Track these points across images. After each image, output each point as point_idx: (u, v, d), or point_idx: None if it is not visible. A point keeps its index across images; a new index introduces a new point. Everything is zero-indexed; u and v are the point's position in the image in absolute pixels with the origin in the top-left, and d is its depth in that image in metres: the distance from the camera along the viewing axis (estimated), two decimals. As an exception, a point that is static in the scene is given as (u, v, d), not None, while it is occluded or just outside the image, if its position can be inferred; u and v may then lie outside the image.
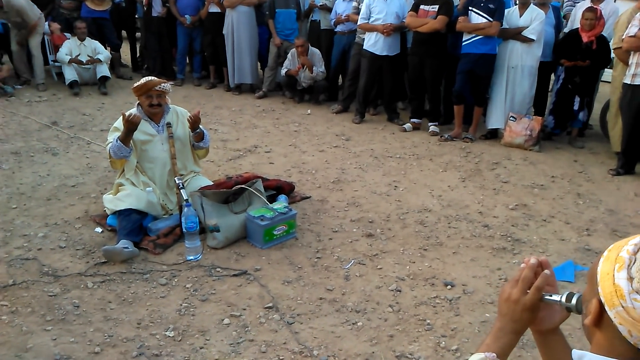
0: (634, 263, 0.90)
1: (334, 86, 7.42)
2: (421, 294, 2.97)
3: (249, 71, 7.45)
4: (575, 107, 5.61)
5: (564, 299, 1.10)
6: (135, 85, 3.46)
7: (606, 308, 0.91)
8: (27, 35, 7.01)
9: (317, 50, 6.89)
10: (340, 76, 7.46)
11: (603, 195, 4.47)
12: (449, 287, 3.04)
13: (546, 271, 1.15)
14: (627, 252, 0.91)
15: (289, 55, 6.96)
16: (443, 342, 2.57)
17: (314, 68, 6.80)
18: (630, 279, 0.88)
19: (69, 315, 2.63)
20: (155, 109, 3.51)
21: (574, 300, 1.08)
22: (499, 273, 3.22)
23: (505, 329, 1.14)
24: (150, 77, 3.50)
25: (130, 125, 3.30)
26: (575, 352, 1.00)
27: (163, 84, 3.47)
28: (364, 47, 6.14)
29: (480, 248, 3.51)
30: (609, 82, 5.64)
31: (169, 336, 2.52)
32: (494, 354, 1.12)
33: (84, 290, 2.85)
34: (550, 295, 1.14)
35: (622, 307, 0.88)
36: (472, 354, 1.19)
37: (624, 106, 4.79)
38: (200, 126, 3.63)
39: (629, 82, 4.66)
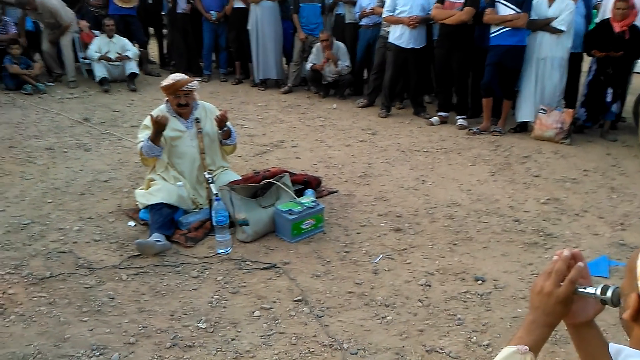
0: None
1: (359, 80, 7.39)
2: (451, 288, 2.94)
3: (274, 66, 7.48)
4: (608, 99, 5.47)
5: (598, 292, 1.08)
6: (163, 84, 3.51)
7: None
8: (59, 35, 7.17)
9: (342, 44, 6.87)
10: (365, 70, 7.43)
11: (637, 189, 4.36)
12: (479, 282, 3.01)
13: (580, 263, 1.12)
14: None
15: (313, 50, 6.96)
16: (474, 337, 2.55)
17: (339, 62, 6.78)
18: None
19: (104, 306, 2.70)
20: (183, 109, 3.56)
21: (609, 293, 1.06)
22: (531, 268, 3.17)
23: (538, 322, 1.13)
24: (177, 77, 3.52)
25: (159, 127, 3.36)
26: (612, 346, 0.98)
27: (190, 84, 3.50)
28: (389, 40, 6.10)
29: (511, 243, 3.46)
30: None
31: (202, 328, 2.56)
32: (527, 347, 1.10)
33: (119, 282, 2.91)
34: (585, 288, 1.11)
35: None
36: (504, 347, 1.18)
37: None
38: (228, 124, 3.66)
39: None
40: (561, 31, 5.29)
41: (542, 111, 5.55)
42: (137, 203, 3.61)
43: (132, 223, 3.55)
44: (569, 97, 5.90)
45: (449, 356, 2.42)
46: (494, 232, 3.59)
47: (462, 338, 2.55)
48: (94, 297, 2.77)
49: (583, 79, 6.01)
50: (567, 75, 5.55)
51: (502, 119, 5.84)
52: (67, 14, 7.15)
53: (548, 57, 5.41)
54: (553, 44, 5.36)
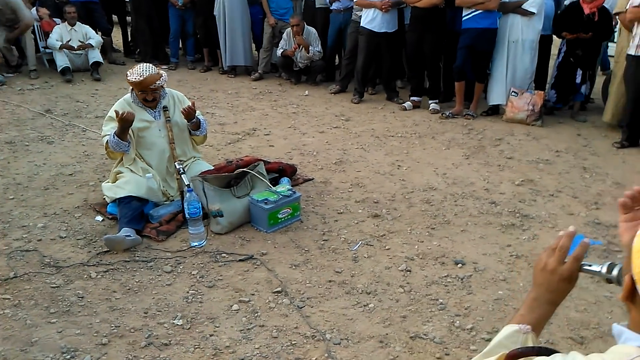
0: None
1: (331, 66, 7.30)
2: (432, 273, 2.91)
3: (243, 52, 7.31)
4: (578, 80, 5.53)
5: (604, 270, 1.04)
6: (131, 79, 3.30)
7: (637, 286, 0.85)
8: (18, 34, 6.85)
9: (313, 30, 6.75)
10: (337, 56, 7.33)
11: (609, 168, 4.42)
12: (459, 265, 2.99)
13: (586, 240, 1.10)
14: None
15: (284, 35, 6.82)
16: (457, 322, 2.52)
17: (310, 48, 6.67)
18: None
19: (73, 306, 2.57)
20: (149, 104, 3.41)
21: (615, 272, 1.02)
22: (509, 250, 3.17)
23: (541, 300, 1.10)
24: (145, 72, 3.30)
25: (125, 123, 3.21)
26: (615, 327, 0.94)
27: (158, 81, 3.34)
28: (361, 25, 6.01)
29: (489, 225, 3.45)
30: (612, 56, 5.56)
31: (178, 324, 2.46)
32: (529, 326, 1.08)
33: (88, 280, 2.78)
34: (590, 265, 1.08)
35: None
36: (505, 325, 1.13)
37: (628, 78, 4.71)
38: (197, 114, 3.53)
39: (632, 54, 4.58)
40: (532, 13, 5.30)
41: (513, 94, 5.57)
42: (105, 197, 3.46)
43: (99, 218, 3.41)
44: (538, 79, 5.94)
45: (433, 342, 2.39)
46: (471, 215, 3.58)
47: (446, 323, 2.52)
48: (62, 297, 2.63)
49: (552, 62, 6.06)
50: (537, 57, 5.57)
51: (474, 102, 5.84)
52: (28, 11, 6.84)
53: (519, 39, 5.42)
54: (524, 26, 5.37)
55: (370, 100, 6.45)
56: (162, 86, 3.40)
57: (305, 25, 6.69)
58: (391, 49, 6.09)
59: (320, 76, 7.19)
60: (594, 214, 3.61)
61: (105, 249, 3.03)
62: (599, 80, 6.11)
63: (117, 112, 3.19)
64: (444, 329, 2.48)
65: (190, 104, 3.47)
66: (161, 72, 3.43)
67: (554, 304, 1.11)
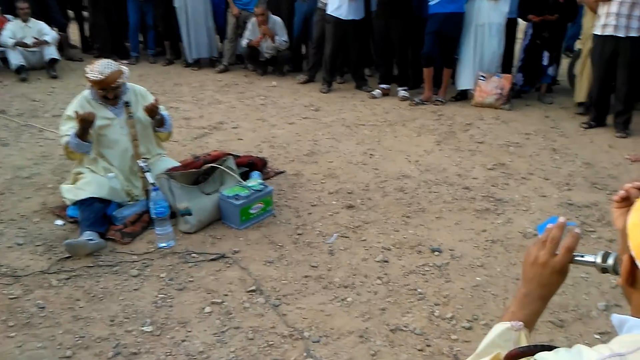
0: None
1: (298, 56, 7.17)
2: (409, 262, 2.86)
3: (207, 44, 7.11)
4: (545, 62, 5.56)
5: (599, 260, 0.99)
6: (90, 77, 3.11)
7: (637, 263, 0.80)
8: None
9: (278, 19, 6.60)
10: (303, 45, 7.20)
11: (578, 149, 4.45)
12: (436, 253, 2.95)
13: (577, 230, 1.05)
14: None
15: (248, 25, 6.65)
16: (437, 311, 2.47)
17: (276, 38, 6.52)
18: None
19: (33, 318, 2.41)
20: (110, 102, 3.24)
21: (610, 260, 0.97)
22: (485, 235, 3.14)
23: (532, 295, 1.05)
24: (106, 69, 3.11)
25: (85, 124, 3.05)
26: (615, 317, 0.90)
27: (120, 79, 3.17)
28: (327, 12, 5.89)
29: (463, 211, 3.42)
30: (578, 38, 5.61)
31: (147, 331, 2.33)
32: (521, 323, 1.03)
33: (49, 289, 2.62)
34: (582, 256, 1.03)
35: None
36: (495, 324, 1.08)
37: (594, 58, 4.74)
38: (161, 110, 3.37)
39: (599, 33, 4.60)
40: (498, -4, 5.29)
41: (481, 78, 5.56)
42: (64, 199, 3.28)
43: (59, 222, 3.23)
44: (504, 63, 5.93)
45: (414, 333, 2.33)
46: (446, 202, 3.54)
47: (425, 313, 2.47)
48: (21, 309, 2.46)
49: (518, 45, 6.07)
50: (504, 40, 5.57)
51: (443, 88, 5.82)
52: None
53: (486, 23, 5.40)
54: (491, 9, 5.35)
55: (339, 90, 6.36)
56: (123, 84, 3.23)
57: (270, 14, 6.54)
58: (359, 37, 6.00)
59: (288, 66, 7.06)
60: (566, 195, 3.62)
61: (67, 255, 2.86)
62: (565, 61, 6.16)
63: (77, 113, 3.01)
64: (424, 319, 2.43)
65: (153, 101, 3.31)
66: (122, 68, 3.26)
67: (545, 298, 1.06)
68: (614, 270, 0.97)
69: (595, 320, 2.39)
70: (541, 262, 1.04)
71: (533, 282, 1.05)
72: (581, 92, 5.27)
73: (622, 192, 1.07)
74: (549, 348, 0.89)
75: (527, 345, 0.96)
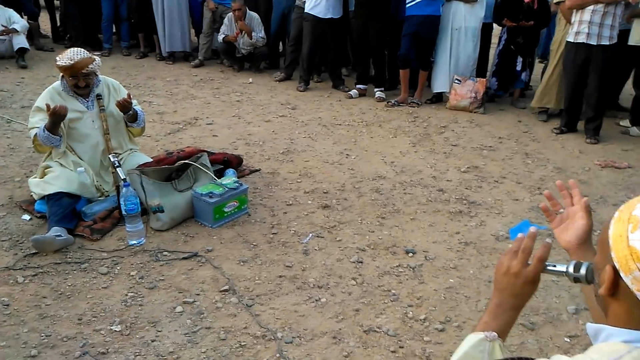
0: None
1: (275, 53, 7.12)
2: (383, 263, 2.86)
3: (181, 38, 7.00)
4: (518, 67, 5.64)
5: (571, 269, 1.01)
6: (60, 64, 3.04)
7: (621, 274, 0.81)
8: None
9: (255, 15, 6.54)
10: (281, 42, 7.16)
11: (549, 153, 4.53)
12: (410, 254, 2.96)
13: (548, 240, 1.06)
14: None
15: (225, 21, 6.58)
16: (410, 312, 2.48)
17: (253, 34, 6.46)
18: None
19: (-4, 316, 2.33)
20: (81, 91, 3.16)
21: (583, 270, 0.99)
22: (458, 237, 3.16)
23: (505, 305, 1.06)
24: (76, 55, 3.06)
25: (57, 118, 2.96)
26: (590, 327, 0.91)
27: (91, 65, 3.09)
28: (305, 11, 5.87)
29: (437, 213, 3.44)
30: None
31: (116, 331, 2.28)
32: (495, 333, 1.03)
33: (14, 286, 2.53)
34: (555, 266, 1.05)
35: (639, 270, 0.78)
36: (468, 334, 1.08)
37: (567, 64, 4.83)
38: (134, 106, 3.30)
39: (572, 40, 4.69)
40: (475, 0, 5.35)
41: (456, 81, 5.62)
42: (32, 193, 3.18)
43: (26, 217, 3.13)
44: (479, 67, 6.01)
45: (387, 334, 2.33)
46: (420, 203, 3.56)
47: (399, 314, 2.47)
48: (-16, 306, 2.38)
49: (492, 50, 6.16)
50: (479, 45, 5.64)
51: (418, 90, 5.86)
52: None
53: (462, 27, 5.46)
54: (467, 13, 5.41)
55: (316, 88, 6.34)
56: (94, 72, 3.15)
57: (247, 10, 6.48)
58: (336, 36, 6.00)
59: (264, 63, 7.00)
60: (537, 199, 3.68)
61: (34, 251, 2.78)
62: (538, 67, 6.27)
63: (48, 106, 2.93)
64: (398, 320, 2.43)
65: (126, 95, 3.23)
66: (94, 56, 3.18)
67: (518, 308, 1.07)
68: (587, 280, 0.98)
69: (566, 323, 2.43)
70: (514, 273, 1.04)
71: (505, 292, 1.05)
72: (539, 97, 5.34)
73: (544, 205, 1.15)
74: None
75: (504, 358, 0.96)
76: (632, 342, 0.82)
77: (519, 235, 1.08)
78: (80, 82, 3.11)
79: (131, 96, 3.28)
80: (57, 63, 3.06)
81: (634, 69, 4.92)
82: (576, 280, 1.01)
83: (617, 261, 0.82)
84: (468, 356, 1.01)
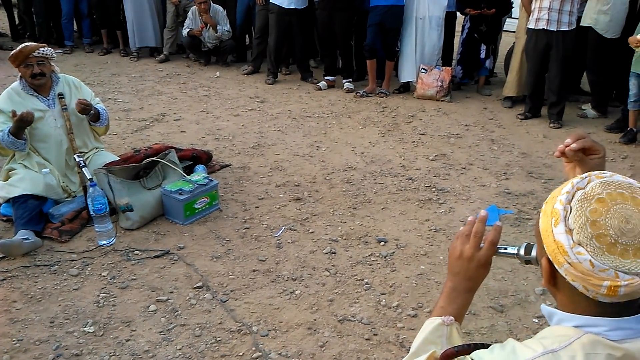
0: (570, 213, 0.82)
1: (242, 46, 7.06)
2: (356, 253, 2.90)
3: (152, 33, 6.87)
4: (482, 55, 5.73)
5: (522, 252, 1.04)
6: (11, 54, 3.02)
7: (555, 266, 0.84)
8: None
9: (219, 7, 6.47)
10: (247, 35, 7.10)
11: (515, 139, 4.64)
12: (382, 243, 3.00)
13: (498, 223, 1.09)
14: (561, 202, 0.83)
15: (189, 14, 6.48)
16: (383, 300, 2.53)
17: (218, 27, 6.39)
18: (569, 231, 0.81)
19: (-36, 323, 2.28)
20: (38, 80, 3.09)
21: (533, 252, 1.02)
22: (428, 224, 3.22)
23: (459, 289, 1.08)
24: (26, 44, 3.07)
25: (23, 124, 2.93)
26: (544, 308, 0.94)
27: (42, 49, 3.06)
28: (270, 1, 5.83)
29: (407, 201, 3.50)
30: (510, 31, 5.80)
31: (89, 332, 2.26)
32: (451, 317, 1.06)
33: (-20, 292, 2.48)
34: (506, 248, 1.08)
35: (569, 263, 0.81)
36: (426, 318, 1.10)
37: (529, 51, 4.93)
38: (95, 104, 3.25)
39: (533, 27, 4.79)
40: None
41: (423, 70, 5.68)
42: (-4, 197, 3.10)
43: (-9, 221, 3.06)
44: (444, 55, 6.09)
45: (361, 323, 2.37)
46: (390, 192, 3.61)
47: (372, 302, 2.51)
48: (-50, 314, 2.32)
49: (457, 38, 6.24)
50: (444, 33, 5.71)
51: (386, 80, 5.90)
52: None
53: (426, 16, 5.51)
54: (431, 3, 5.46)
55: (285, 81, 6.32)
56: (48, 58, 3.10)
57: (212, 3, 6.40)
58: (303, 28, 5.98)
59: (231, 57, 6.94)
60: (504, 184, 3.77)
61: (1, 255, 2.72)
62: (502, 54, 6.38)
63: (14, 112, 2.90)
64: (371, 309, 2.47)
65: (88, 94, 3.20)
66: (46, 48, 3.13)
67: (471, 291, 1.09)
68: (537, 262, 1.00)
69: (534, 305, 2.51)
70: (467, 257, 1.06)
71: (459, 276, 1.08)
72: (510, 86, 5.47)
73: (558, 151, 1.12)
74: (484, 346, 0.92)
75: (461, 344, 0.99)
76: (582, 327, 0.84)
77: (470, 218, 1.10)
78: (34, 69, 3.05)
79: (91, 96, 3.24)
80: (9, 57, 3.04)
81: (586, 52, 5.04)
82: (527, 262, 1.03)
83: (549, 254, 0.85)
84: (427, 342, 1.04)
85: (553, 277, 0.86)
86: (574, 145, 1.09)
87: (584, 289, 0.82)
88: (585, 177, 0.86)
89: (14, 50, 3.04)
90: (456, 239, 1.10)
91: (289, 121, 4.92)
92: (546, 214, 0.86)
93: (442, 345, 1.03)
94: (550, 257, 0.84)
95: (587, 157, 1.11)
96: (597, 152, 1.12)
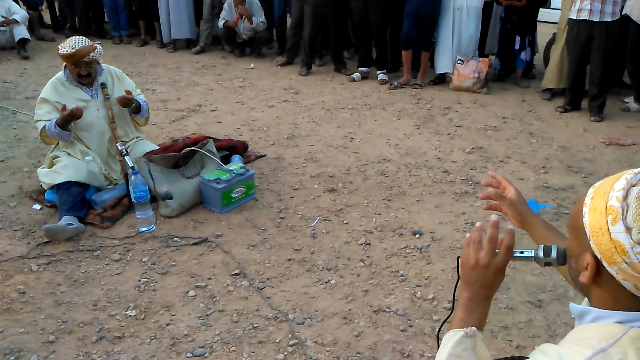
0: (627, 211, 0.79)
1: (283, 37, 7.00)
2: (391, 245, 2.90)
3: (188, 24, 6.96)
4: (516, 46, 5.61)
5: (541, 254, 1.02)
6: (62, 52, 3.05)
7: (605, 265, 0.81)
8: None
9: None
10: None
11: (554, 132, 4.53)
12: (417, 235, 2.99)
13: (510, 226, 1.06)
14: (617, 199, 0.80)
15: (225, 6, 6.53)
16: (419, 292, 2.52)
17: (253, 18, 6.42)
18: (629, 229, 0.78)
19: (14, 303, 2.38)
20: (84, 80, 3.17)
21: (554, 254, 0.99)
22: (464, 217, 3.19)
23: (477, 299, 1.04)
24: (77, 43, 3.06)
25: (72, 118, 3.03)
26: (574, 307, 0.92)
27: (93, 53, 3.10)
28: (305, -7, 5.83)
29: (443, 194, 3.47)
30: (550, 22, 5.62)
31: (131, 315, 2.33)
32: (474, 328, 1.02)
33: (29, 274, 2.58)
34: (522, 252, 1.05)
35: (626, 263, 0.78)
36: (446, 332, 1.07)
37: (570, 42, 4.80)
38: (136, 96, 3.32)
39: (574, 18, 4.65)
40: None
41: (459, 61, 5.59)
42: (42, 183, 3.22)
43: (37, 206, 3.17)
44: (481, 46, 5.97)
45: (397, 314, 2.38)
46: (426, 185, 3.58)
47: (407, 294, 2.51)
48: (1, 295, 2.43)
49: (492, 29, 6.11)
50: (481, 24, 5.60)
51: (421, 71, 5.83)
52: None
53: (464, 6, 5.41)
54: (468, -7, 5.36)
55: (318, 72, 6.32)
56: (96, 60, 3.17)
57: (247, -5, 6.43)
58: (337, 19, 5.96)
59: (266, 47, 6.97)
60: (542, 178, 3.70)
61: (46, 240, 2.83)
62: (541, 46, 6.22)
63: (64, 107, 2.99)
64: (406, 300, 2.47)
65: (129, 86, 3.26)
66: (95, 44, 3.19)
67: (489, 299, 1.06)
68: (558, 262, 0.98)
69: (573, 300, 2.46)
70: (483, 264, 1.02)
71: (476, 285, 1.04)
72: (549, 77, 5.33)
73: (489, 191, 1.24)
74: (519, 359, 0.90)
75: (498, 358, 0.97)
76: (625, 322, 0.82)
77: (478, 224, 1.07)
78: (82, 70, 3.13)
79: (132, 86, 3.31)
80: (59, 52, 3.08)
81: (628, 42, 4.86)
82: (547, 264, 1.01)
83: (599, 252, 0.82)
84: (453, 356, 1.00)
85: (597, 274, 0.84)
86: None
87: (634, 287, 0.80)
88: (638, 173, 0.83)
89: (66, 49, 3.03)
90: (466, 246, 1.06)
91: (323, 112, 4.93)
92: (597, 211, 0.82)
93: (468, 358, 0.99)
94: (601, 255, 0.81)
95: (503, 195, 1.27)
96: (505, 188, 1.28)
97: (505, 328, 2.29)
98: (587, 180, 3.66)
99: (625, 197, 0.80)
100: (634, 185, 0.81)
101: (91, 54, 3.09)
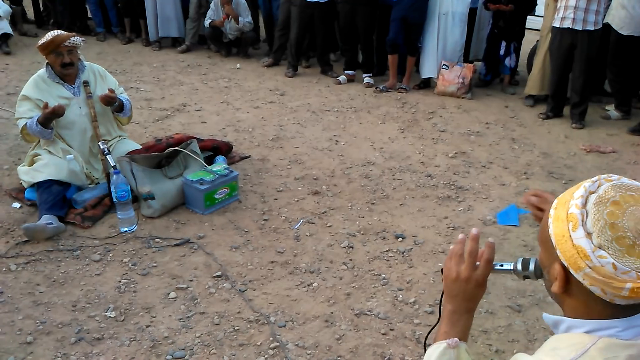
0: (587, 217, 0.81)
1: (272, 37, 6.99)
2: (373, 248, 2.91)
3: (176, 23, 6.91)
4: (501, 52, 5.67)
5: (520, 266, 1.03)
6: (41, 42, 3.05)
7: (572, 272, 0.83)
8: None
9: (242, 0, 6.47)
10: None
11: (536, 139, 4.59)
12: (399, 239, 3.01)
13: (490, 239, 1.08)
14: (576, 206, 0.83)
15: (211, 5, 6.50)
16: (400, 296, 2.54)
17: (240, 19, 6.40)
18: (589, 234, 0.80)
19: (-10, 304, 2.34)
20: (68, 69, 3.14)
21: (531, 267, 1.01)
22: (447, 222, 3.22)
23: (459, 311, 1.06)
24: (57, 32, 3.10)
25: (54, 116, 3.00)
26: (548, 317, 0.94)
27: (72, 38, 3.09)
28: (293, -5, 5.83)
29: (426, 198, 3.49)
30: (533, 29, 5.69)
31: (110, 317, 2.30)
32: (457, 339, 1.04)
33: (7, 273, 2.54)
34: (502, 265, 1.07)
35: (590, 267, 0.80)
36: (430, 344, 1.08)
37: (552, 50, 4.87)
38: (119, 95, 3.30)
39: (557, 26, 4.72)
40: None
41: (444, 67, 5.64)
42: (22, 181, 3.18)
43: (16, 205, 3.12)
44: (466, 52, 6.02)
45: (378, 317, 2.39)
46: (409, 189, 3.60)
47: (389, 298, 2.52)
48: (-24, 294, 2.39)
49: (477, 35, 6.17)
50: (466, 30, 5.66)
51: (406, 75, 5.86)
52: None
53: (450, 11, 5.46)
54: (454, -2, 5.41)
55: (305, 74, 6.32)
56: (76, 47, 3.14)
57: (234, -5, 6.40)
58: (325, 21, 5.97)
59: (252, 48, 6.95)
60: (524, 183, 3.74)
61: (25, 239, 2.79)
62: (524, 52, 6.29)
63: (46, 105, 2.97)
64: (388, 304, 2.48)
65: (112, 84, 3.24)
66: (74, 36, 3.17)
67: (471, 311, 1.07)
68: (536, 276, 1.00)
69: (551, 305, 2.50)
70: (464, 278, 1.04)
71: (458, 298, 1.05)
72: (532, 84, 5.40)
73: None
74: None
75: None
76: (595, 331, 0.84)
77: (460, 236, 1.08)
78: (65, 58, 3.10)
79: (115, 85, 3.28)
80: (39, 44, 3.08)
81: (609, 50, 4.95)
82: (525, 277, 1.02)
83: (565, 260, 0.83)
84: None
85: (566, 282, 0.85)
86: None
87: (602, 292, 0.81)
88: (596, 181, 0.85)
89: (45, 39, 3.06)
90: (449, 259, 1.07)
91: (308, 114, 4.93)
92: (560, 220, 0.85)
93: None
94: (567, 262, 0.83)
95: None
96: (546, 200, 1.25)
97: (485, 332, 2.32)
98: (568, 186, 3.68)
99: (585, 204, 0.82)
100: (592, 193, 0.84)
101: (70, 39, 3.09)
